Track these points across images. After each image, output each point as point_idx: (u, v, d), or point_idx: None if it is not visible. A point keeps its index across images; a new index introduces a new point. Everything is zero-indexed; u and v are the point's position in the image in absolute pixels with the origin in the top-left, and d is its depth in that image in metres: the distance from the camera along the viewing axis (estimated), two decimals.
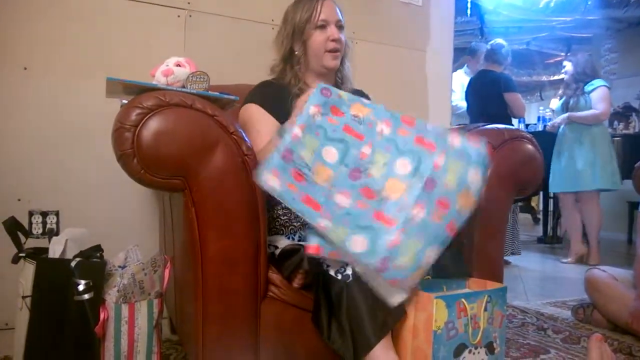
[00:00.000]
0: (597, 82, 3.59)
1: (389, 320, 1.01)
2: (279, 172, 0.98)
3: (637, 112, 4.88)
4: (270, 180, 0.98)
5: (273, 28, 2.03)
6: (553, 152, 3.73)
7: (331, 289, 1.02)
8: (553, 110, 4.00)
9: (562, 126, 3.72)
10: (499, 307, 1.10)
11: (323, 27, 1.39)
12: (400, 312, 1.02)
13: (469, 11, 4.86)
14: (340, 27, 1.42)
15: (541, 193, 5.00)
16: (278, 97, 1.38)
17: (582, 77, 3.62)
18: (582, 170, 3.55)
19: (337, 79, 1.50)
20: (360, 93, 1.56)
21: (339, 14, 1.43)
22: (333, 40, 1.39)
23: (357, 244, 0.92)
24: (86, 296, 1.13)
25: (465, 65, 4.14)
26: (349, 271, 1.01)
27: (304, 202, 0.96)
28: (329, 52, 1.40)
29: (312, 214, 0.95)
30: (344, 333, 0.99)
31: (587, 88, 3.59)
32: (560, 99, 3.83)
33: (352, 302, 0.99)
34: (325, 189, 0.98)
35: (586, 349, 1.55)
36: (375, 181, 0.99)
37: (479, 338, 1.05)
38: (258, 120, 1.35)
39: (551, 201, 4.82)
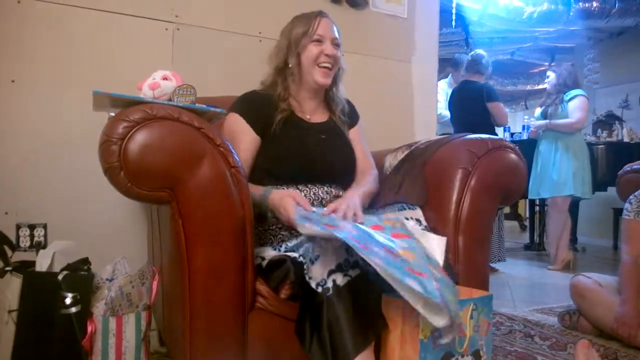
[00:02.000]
0: (575, 92, 3.70)
1: (370, 334, 1.01)
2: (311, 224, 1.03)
3: (619, 121, 4.97)
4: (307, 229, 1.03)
5: (260, 41, 2.06)
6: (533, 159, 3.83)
7: (313, 301, 1.03)
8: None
9: (541, 133, 3.83)
10: (485, 314, 1.10)
11: (319, 41, 1.40)
12: (381, 325, 1.04)
13: (453, 22, 4.93)
14: (335, 44, 1.43)
15: (527, 200, 5.05)
16: (263, 107, 1.40)
17: (563, 88, 3.72)
18: (555, 177, 3.65)
19: (327, 99, 1.52)
20: (351, 110, 1.57)
21: (336, 32, 1.44)
22: (327, 55, 1.40)
23: (412, 284, 0.92)
24: (73, 309, 1.13)
25: (450, 75, 4.20)
26: (329, 284, 1.01)
27: (354, 241, 0.97)
28: (320, 68, 1.41)
29: (359, 249, 0.95)
30: (323, 345, 0.99)
31: (566, 97, 3.70)
32: (541, 107, 3.93)
33: (332, 315, 1.00)
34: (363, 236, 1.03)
35: (573, 356, 1.57)
36: (390, 245, 1.03)
37: (465, 346, 1.05)
38: (238, 132, 1.36)
39: (537, 208, 4.88)
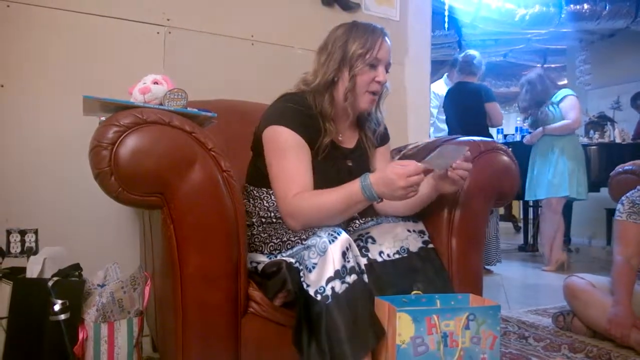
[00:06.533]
0: (563, 92, 3.68)
1: (369, 341, 1.01)
2: None
3: (611, 122, 5.00)
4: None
5: (253, 44, 2.05)
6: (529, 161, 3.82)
7: (311, 309, 1.02)
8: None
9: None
10: (489, 326, 1.05)
11: (374, 66, 1.29)
12: (380, 332, 1.03)
13: (446, 25, 4.95)
14: (387, 69, 1.33)
15: (521, 202, 5.07)
16: (310, 124, 1.28)
17: (542, 96, 3.69)
18: (550, 178, 3.64)
19: (361, 116, 1.40)
20: (384, 132, 1.47)
21: (390, 54, 1.33)
22: (378, 82, 1.30)
23: None
24: (62, 316, 1.12)
25: (446, 75, 4.20)
26: (328, 292, 1.01)
27: None
28: (369, 93, 1.30)
29: None
30: (323, 353, 0.99)
31: (555, 99, 3.67)
32: (527, 117, 3.88)
33: (331, 323, 0.99)
34: None
35: None
36: None
37: (456, 357, 1.02)
38: (294, 148, 1.23)
39: (531, 210, 4.89)
